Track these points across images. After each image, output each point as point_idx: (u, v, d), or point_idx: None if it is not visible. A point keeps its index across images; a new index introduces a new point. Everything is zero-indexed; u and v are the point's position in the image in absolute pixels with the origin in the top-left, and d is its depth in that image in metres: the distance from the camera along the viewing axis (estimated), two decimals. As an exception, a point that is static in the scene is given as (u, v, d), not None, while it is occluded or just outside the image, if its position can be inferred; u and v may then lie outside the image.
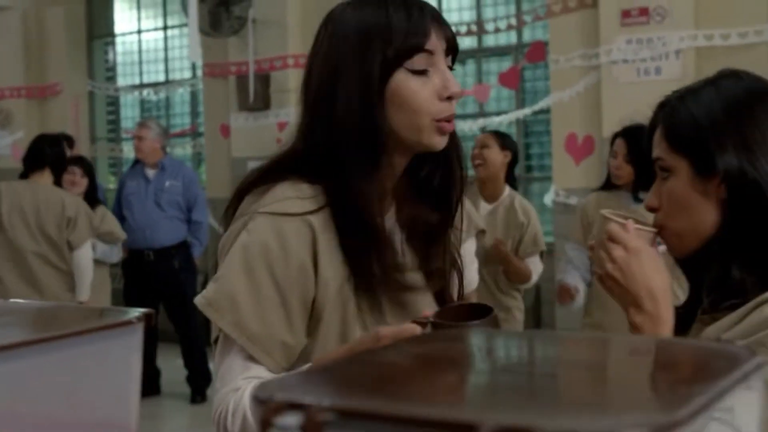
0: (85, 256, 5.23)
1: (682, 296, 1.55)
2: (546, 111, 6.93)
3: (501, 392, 0.59)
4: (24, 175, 5.22)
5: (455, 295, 1.63)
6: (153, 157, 6.41)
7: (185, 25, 7.92)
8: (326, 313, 1.48)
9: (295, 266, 1.46)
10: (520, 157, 7.25)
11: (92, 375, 0.89)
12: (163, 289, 6.40)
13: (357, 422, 0.56)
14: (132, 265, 6.48)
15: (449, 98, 1.49)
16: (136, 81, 9.50)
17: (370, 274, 1.48)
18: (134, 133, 6.56)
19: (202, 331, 6.68)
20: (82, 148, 9.03)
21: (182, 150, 8.99)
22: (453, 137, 1.55)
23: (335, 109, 1.47)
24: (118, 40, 9.67)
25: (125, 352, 0.92)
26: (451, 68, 1.52)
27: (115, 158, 9.65)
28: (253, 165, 7.90)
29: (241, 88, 7.81)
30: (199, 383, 6.53)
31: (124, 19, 9.66)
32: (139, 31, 9.56)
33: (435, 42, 1.48)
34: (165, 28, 9.38)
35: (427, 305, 1.54)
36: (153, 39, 9.48)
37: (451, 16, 7.53)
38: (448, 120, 1.50)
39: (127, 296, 6.51)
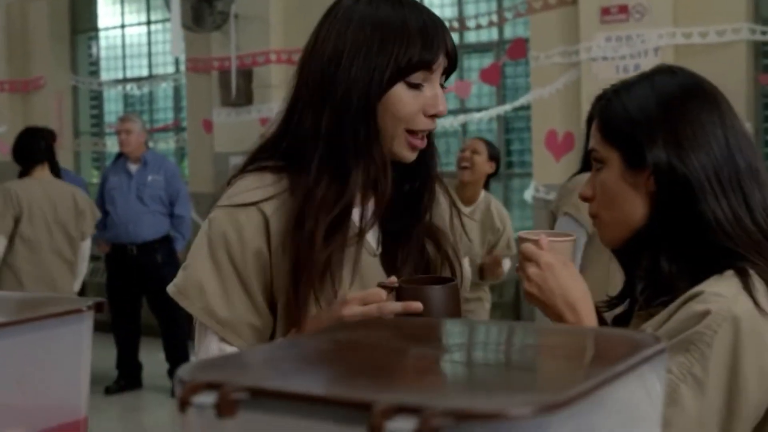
0: (89, 247, 5.45)
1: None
2: (526, 107, 6.98)
3: (405, 374, 0.64)
4: (24, 172, 5.25)
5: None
6: (138, 150, 6.46)
7: (168, 19, 7.93)
8: (281, 295, 1.54)
9: (251, 253, 1.53)
10: (501, 153, 7.34)
11: (42, 361, 0.93)
12: (145, 283, 6.43)
13: (268, 401, 0.61)
14: (115, 260, 6.50)
15: (433, 115, 1.54)
16: (120, 75, 9.51)
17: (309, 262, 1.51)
18: (119, 127, 6.56)
19: (185, 325, 6.71)
20: (66, 143, 9.05)
21: (165, 145, 9.00)
22: (429, 146, 1.60)
23: (333, 95, 1.51)
24: (102, 34, 9.67)
25: (75, 338, 0.96)
26: (443, 84, 1.57)
27: (98, 153, 9.66)
28: (235, 160, 7.91)
29: (223, 83, 7.83)
30: (181, 377, 6.55)
31: (107, 13, 9.66)
32: (123, 26, 9.56)
33: (440, 61, 1.53)
34: (148, 22, 9.39)
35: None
36: (136, 34, 9.48)
37: (433, 13, 7.55)
38: (422, 137, 1.55)
39: (110, 290, 6.53)
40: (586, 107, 6.91)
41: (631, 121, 1.44)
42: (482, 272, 4.67)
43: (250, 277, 1.53)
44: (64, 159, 8.61)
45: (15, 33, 9.34)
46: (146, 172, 6.48)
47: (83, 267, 5.47)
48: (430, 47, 1.51)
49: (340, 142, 1.51)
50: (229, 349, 1.54)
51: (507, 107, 7.13)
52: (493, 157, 4.80)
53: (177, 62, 8.90)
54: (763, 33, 6.09)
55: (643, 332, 0.92)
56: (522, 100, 6.94)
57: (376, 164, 1.53)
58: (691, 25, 6.19)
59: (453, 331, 0.79)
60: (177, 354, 6.58)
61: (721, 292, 1.34)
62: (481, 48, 7.52)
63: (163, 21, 9.06)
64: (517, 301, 6.92)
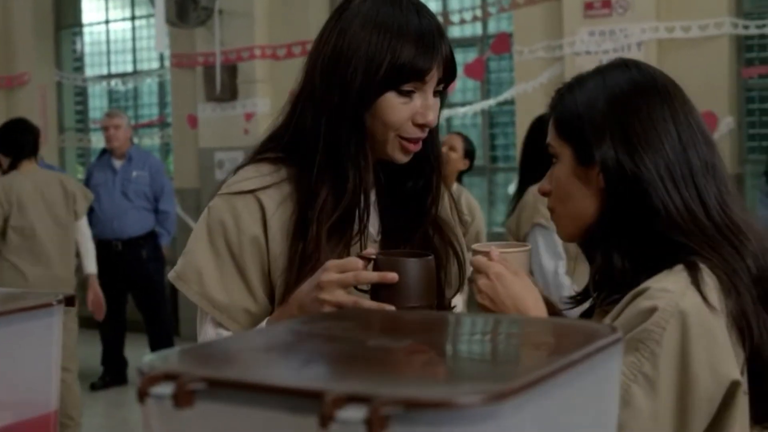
0: (87, 224, 5.42)
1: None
2: (510, 102, 6.99)
3: (360, 364, 0.65)
4: (12, 165, 5.22)
5: (455, 284, 1.70)
6: (126, 146, 6.46)
7: (153, 15, 7.91)
8: (279, 282, 1.56)
9: (248, 240, 1.57)
10: (485, 148, 7.37)
11: (12, 356, 0.94)
12: (131, 279, 6.43)
13: (225, 391, 0.62)
14: (100, 256, 6.45)
15: (422, 125, 1.55)
16: (104, 71, 9.47)
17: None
18: (107, 122, 6.53)
19: (170, 321, 6.71)
20: (50, 139, 9.02)
21: (150, 140, 8.99)
22: (433, 146, 1.62)
23: (331, 97, 1.52)
24: (86, 30, 9.63)
25: (45, 333, 0.97)
26: (442, 90, 1.58)
27: (83, 149, 9.63)
28: (220, 155, 7.87)
29: (208, 78, 7.82)
30: (166, 373, 6.55)
31: (91, 9, 9.62)
32: (107, 21, 9.53)
33: (434, 72, 1.53)
34: (133, 18, 9.36)
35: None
36: (121, 29, 9.45)
37: (418, 8, 7.55)
38: (416, 142, 1.56)
39: (95, 287, 6.52)
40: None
41: (579, 117, 1.44)
42: None
43: (246, 263, 1.56)
44: (49, 155, 8.58)
45: (-2, 29, 9.31)
46: (131, 167, 6.48)
47: (88, 245, 5.45)
48: (423, 55, 1.51)
49: (338, 145, 1.54)
50: (226, 335, 1.56)
51: (491, 102, 7.15)
52: (468, 154, 4.84)
53: (162, 58, 8.88)
54: (746, 27, 6.12)
55: (599, 323, 0.93)
56: (506, 95, 6.95)
57: (365, 165, 1.55)
58: (673, 20, 6.21)
59: (412, 323, 0.80)
60: (162, 349, 6.57)
61: (668, 287, 1.33)
62: (465, 43, 7.53)
63: (148, 16, 9.03)
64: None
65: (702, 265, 1.36)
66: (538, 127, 3.97)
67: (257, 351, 0.68)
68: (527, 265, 1.50)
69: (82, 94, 9.65)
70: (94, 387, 6.49)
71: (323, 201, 1.54)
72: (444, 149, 4.74)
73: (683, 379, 1.30)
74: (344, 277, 1.41)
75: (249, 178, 1.59)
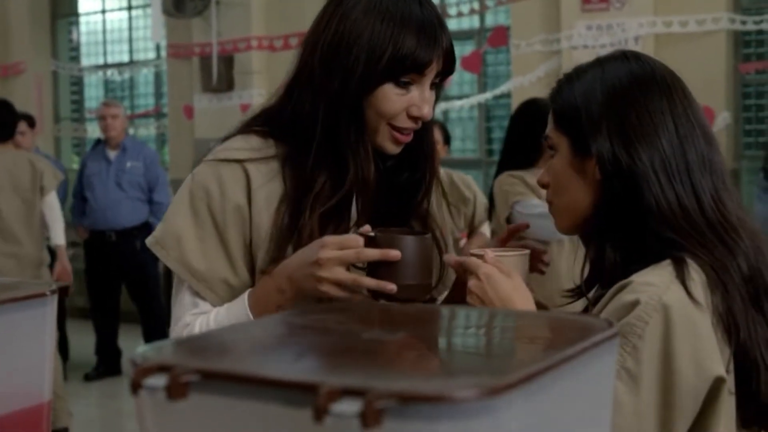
0: (55, 198, 5.32)
1: None
2: (507, 95, 6.99)
3: (355, 357, 0.64)
4: None
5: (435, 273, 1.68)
6: (121, 136, 6.45)
7: (149, 5, 7.89)
8: (260, 255, 1.54)
9: (231, 208, 1.53)
10: (481, 141, 7.38)
11: (4, 346, 0.93)
12: (124, 269, 6.41)
13: (218, 383, 0.61)
14: (94, 246, 6.48)
15: (416, 117, 1.53)
16: (100, 61, 9.45)
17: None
18: (104, 112, 6.49)
19: (164, 311, 6.70)
20: (46, 129, 9.00)
21: (146, 131, 8.97)
22: (428, 138, 1.62)
23: (331, 84, 1.50)
24: (83, 19, 9.60)
25: (38, 323, 0.96)
26: (440, 82, 1.57)
27: (78, 138, 9.61)
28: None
29: (204, 69, 7.81)
30: (160, 363, 6.55)
31: (88, -2, 9.61)
32: (104, 11, 9.50)
33: (434, 65, 1.52)
34: (129, 8, 9.33)
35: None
36: (117, 19, 9.42)
37: (415, 0, 7.53)
38: (408, 133, 1.55)
39: (89, 277, 6.52)
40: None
41: (577, 108, 1.43)
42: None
43: (229, 232, 1.53)
44: (45, 144, 8.57)
45: (-6, 18, 9.28)
46: (125, 158, 6.46)
47: (56, 216, 5.33)
48: (425, 47, 1.50)
49: (338, 132, 1.52)
50: (202, 304, 1.55)
51: (488, 95, 7.14)
52: (447, 143, 4.81)
53: (158, 48, 8.86)
54: (743, 22, 6.12)
55: (596, 317, 0.92)
56: (503, 88, 6.95)
57: (365, 156, 1.53)
58: (671, 14, 6.21)
59: (407, 316, 0.80)
60: (156, 340, 6.57)
61: (652, 281, 1.31)
62: (462, 36, 7.52)
63: (144, 6, 9.01)
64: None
65: (690, 261, 1.34)
66: (524, 112, 3.92)
67: (251, 343, 0.68)
68: (523, 269, 1.49)
69: (78, 83, 9.63)
70: (88, 377, 6.48)
71: (320, 187, 1.52)
72: None
73: (666, 373, 1.28)
74: (345, 254, 1.39)
75: (237, 149, 1.56)
